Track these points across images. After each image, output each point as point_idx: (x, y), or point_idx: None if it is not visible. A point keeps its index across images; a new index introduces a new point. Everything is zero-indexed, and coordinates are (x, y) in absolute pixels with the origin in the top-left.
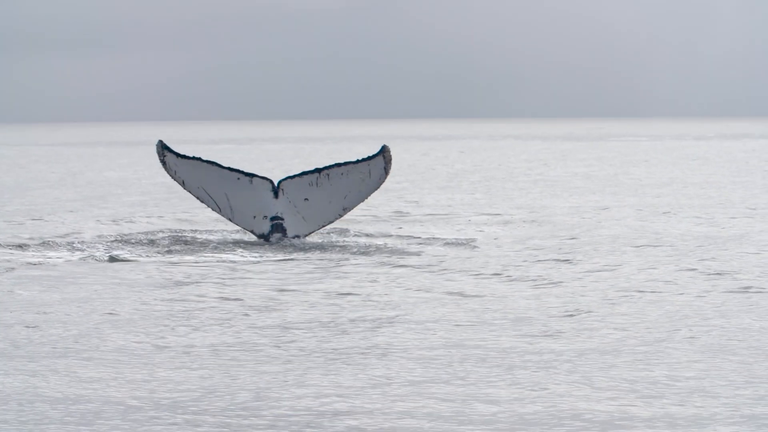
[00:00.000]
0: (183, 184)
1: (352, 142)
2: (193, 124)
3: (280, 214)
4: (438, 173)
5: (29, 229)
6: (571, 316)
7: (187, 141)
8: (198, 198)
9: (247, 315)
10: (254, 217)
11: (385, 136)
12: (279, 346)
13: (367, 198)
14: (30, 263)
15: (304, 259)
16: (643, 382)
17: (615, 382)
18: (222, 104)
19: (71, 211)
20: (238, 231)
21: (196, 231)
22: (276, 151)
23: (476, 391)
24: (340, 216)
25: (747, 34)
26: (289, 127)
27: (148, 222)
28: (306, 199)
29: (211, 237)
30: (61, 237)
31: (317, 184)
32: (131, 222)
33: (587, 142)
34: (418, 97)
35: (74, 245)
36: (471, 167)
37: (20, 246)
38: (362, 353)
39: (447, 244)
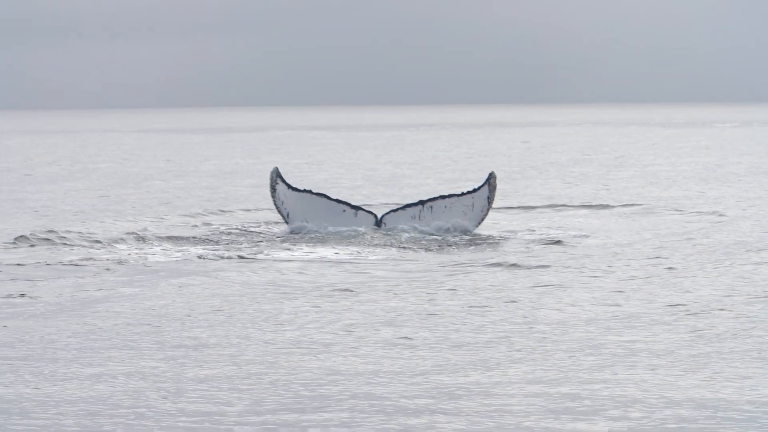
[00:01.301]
0: (287, 216)
1: (438, 130)
2: (255, 109)
3: None
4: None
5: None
6: None
7: (281, 126)
8: (293, 231)
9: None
10: None
11: (462, 123)
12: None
13: (472, 230)
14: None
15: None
16: None
17: None
18: (281, 90)
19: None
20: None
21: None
22: (368, 138)
23: None
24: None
25: None
26: (357, 113)
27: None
28: None
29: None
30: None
31: (420, 217)
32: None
33: (692, 128)
34: (471, 82)
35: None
36: (619, 156)
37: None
38: None
39: None
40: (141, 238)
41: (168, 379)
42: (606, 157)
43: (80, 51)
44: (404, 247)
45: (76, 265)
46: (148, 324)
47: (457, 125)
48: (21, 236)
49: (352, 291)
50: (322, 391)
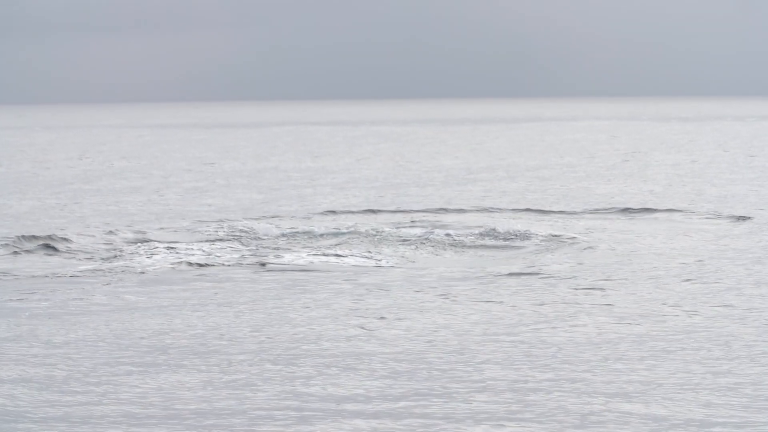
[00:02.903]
0: None
1: (459, 125)
2: (254, 104)
3: None
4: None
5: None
6: None
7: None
8: None
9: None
10: None
11: (478, 119)
12: None
13: None
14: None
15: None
16: None
17: None
18: (285, 85)
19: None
20: None
21: None
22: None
23: None
24: None
25: None
26: (367, 107)
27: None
28: None
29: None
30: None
31: None
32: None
33: (697, 123)
34: (468, 76)
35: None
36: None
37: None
38: None
39: None
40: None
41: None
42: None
43: (74, 46)
44: None
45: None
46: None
47: (475, 121)
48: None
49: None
50: None
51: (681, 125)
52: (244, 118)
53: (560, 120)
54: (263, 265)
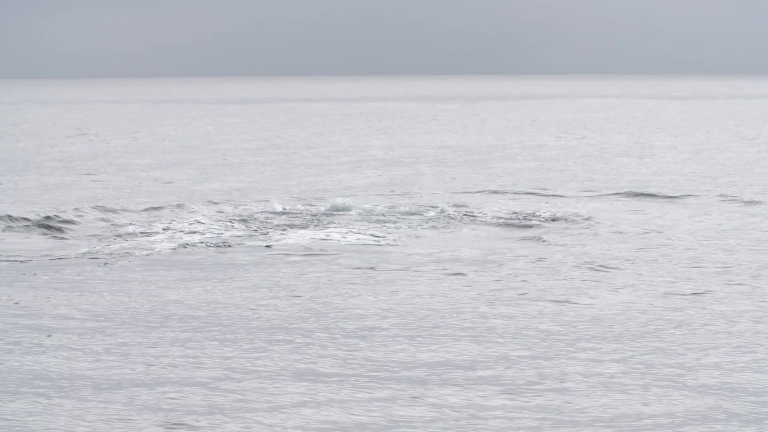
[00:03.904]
0: None
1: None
2: (225, 80)
3: None
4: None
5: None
6: None
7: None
8: None
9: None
10: None
11: (473, 96)
12: None
13: None
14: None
15: None
16: None
17: None
18: (256, 60)
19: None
20: None
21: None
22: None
23: None
24: None
25: None
26: (351, 83)
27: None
28: None
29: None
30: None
31: None
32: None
33: (698, 101)
34: (451, 53)
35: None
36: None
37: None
38: None
39: None
40: None
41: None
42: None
43: (48, 19)
44: None
45: None
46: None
47: (468, 98)
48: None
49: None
50: None
51: (677, 104)
52: (229, 94)
53: (556, 97)
54: (269, 246)
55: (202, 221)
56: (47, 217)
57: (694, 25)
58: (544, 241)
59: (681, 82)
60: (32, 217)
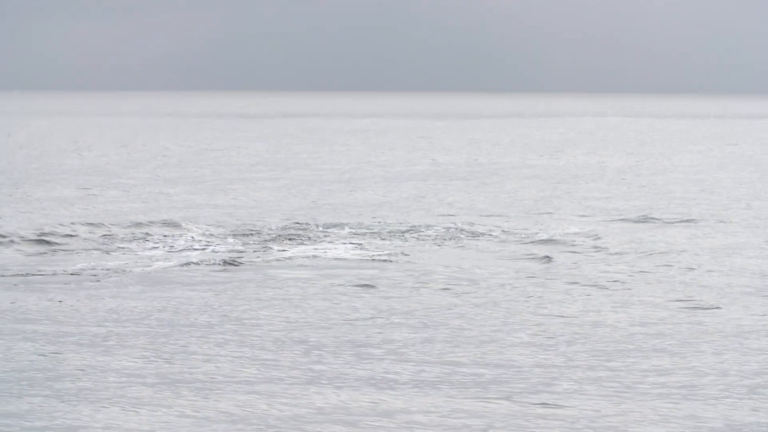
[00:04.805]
0: None
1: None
2: (203, 94)
3: None
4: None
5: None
6: None
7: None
8: None
9: None
10: None
11: (471, 114)
12: None
13: None
14: None
15: None
16: None
17: None
18: (233, 74)
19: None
20: None
21: None
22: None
23: None
24: None
25: None
26: (321, 99)
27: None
28: None
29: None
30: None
31: None
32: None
33: (708, 119)
34: (431, 69)
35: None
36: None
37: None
38: None
39: None
40: None
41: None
42: None
43: (22, 30)
44: None
45: None
46: None
47: (457, 116)
48: None
49: None
50: None
51: (670, 122)
52: (216, 108)
53: (545, 116)
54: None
55: (198, 238)
56: (42, 233)
57: (678, 44)
58: (546, 258)
59: (667, 101)
60: (25, 233)
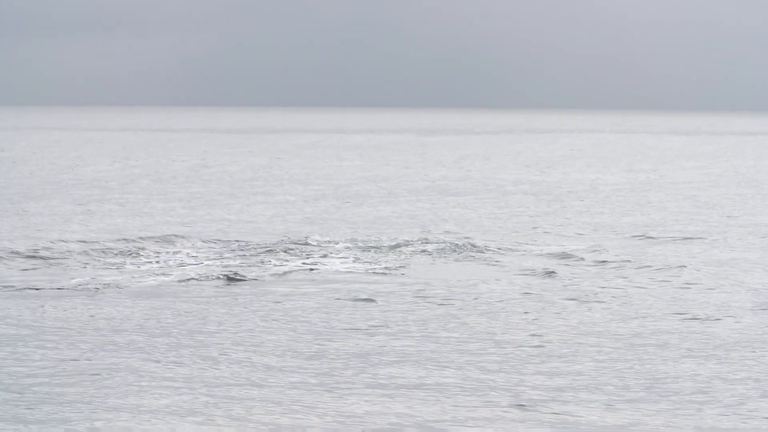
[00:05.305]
0: None
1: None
2: (198, 110)
3: None
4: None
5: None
6: None
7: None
8: None
9: None
10: None
11: (466, 129)
12: None
13: None
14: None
15: None
16: None
17: None
18: (223, 90)
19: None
20: None
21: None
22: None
23: None
24: None
25: None
26: (313, 114)
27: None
28: None
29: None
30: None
31: None
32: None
33: (698, 136)
34: (419, 86)
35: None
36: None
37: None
38: None
39: None
40: None
41: None
42: None
43: (22, 47)
44: None
45: None
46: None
47: (452, 131)
48: None
49: None
50: None
51: (664, 139)
52: (207, 123)
53: (539, 132)
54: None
55: (194, 253)
56: (36, 249)
57: (670, 61)
58: (545, 272)
59: (658, 117)
60: (20, 248)
